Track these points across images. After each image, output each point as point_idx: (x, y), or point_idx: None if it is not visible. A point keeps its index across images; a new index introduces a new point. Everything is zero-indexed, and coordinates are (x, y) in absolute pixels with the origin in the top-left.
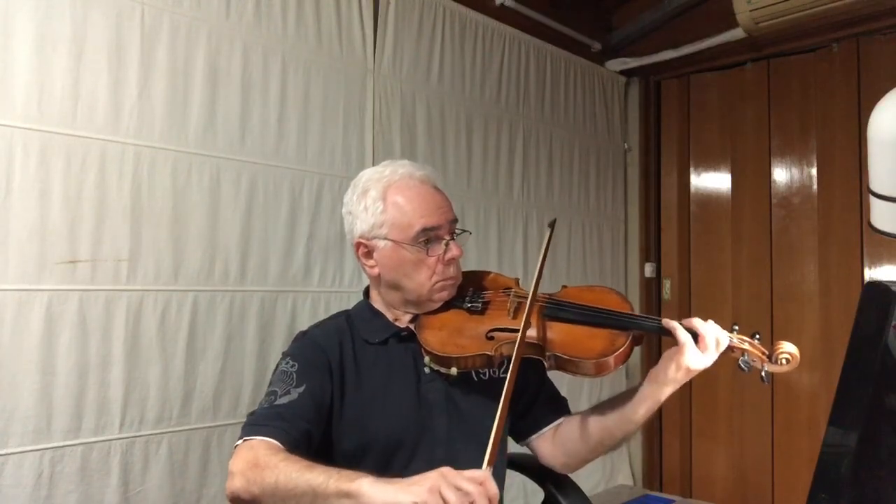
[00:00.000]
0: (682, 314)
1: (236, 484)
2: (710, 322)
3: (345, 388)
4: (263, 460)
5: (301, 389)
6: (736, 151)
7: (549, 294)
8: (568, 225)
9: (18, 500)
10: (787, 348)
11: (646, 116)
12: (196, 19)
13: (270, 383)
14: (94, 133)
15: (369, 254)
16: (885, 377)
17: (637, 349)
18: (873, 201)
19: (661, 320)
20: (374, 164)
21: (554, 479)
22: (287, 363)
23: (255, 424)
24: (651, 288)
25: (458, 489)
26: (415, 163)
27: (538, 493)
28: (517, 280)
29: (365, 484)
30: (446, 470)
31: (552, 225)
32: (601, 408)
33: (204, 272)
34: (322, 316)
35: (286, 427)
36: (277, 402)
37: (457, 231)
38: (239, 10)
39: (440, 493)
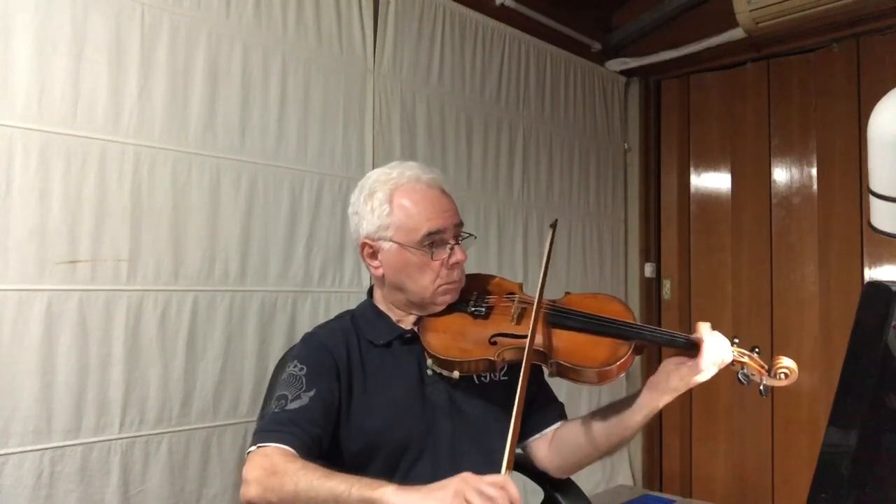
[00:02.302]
0: (683, 314)
1: (252, 492)
2: (718, 335)
3: (352, 390)
4: (281, 468)
5: (311, 394)
6: (736, 151)
7: (552, 300)
8: (568, 225)
9: (18, 500)
10: (786, 363)
11: (646, 116)
12: (196, 19)
13: (278, 387)
14: (94, 133)
15: (374, 255)
16: (885, 377)
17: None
18: (873, 201)
19: (676, 333)
20: (374, 164)
21: (553, 480)
22: (295, 366)
23: (268, 430)
24: (651, 288)
25: (482, 493)
26: (422, 165)
27: (538, 493)
28: (520, 285)
29: (389, 492)
30: (468, 475)
31: (554, 226)
32: (599, 414)
33: (204, 272)
34: (322, 316)
35: (299, 433)
36: (288, 406)
37: (462, 235)
38: (239, 10)
39: (465, 498)
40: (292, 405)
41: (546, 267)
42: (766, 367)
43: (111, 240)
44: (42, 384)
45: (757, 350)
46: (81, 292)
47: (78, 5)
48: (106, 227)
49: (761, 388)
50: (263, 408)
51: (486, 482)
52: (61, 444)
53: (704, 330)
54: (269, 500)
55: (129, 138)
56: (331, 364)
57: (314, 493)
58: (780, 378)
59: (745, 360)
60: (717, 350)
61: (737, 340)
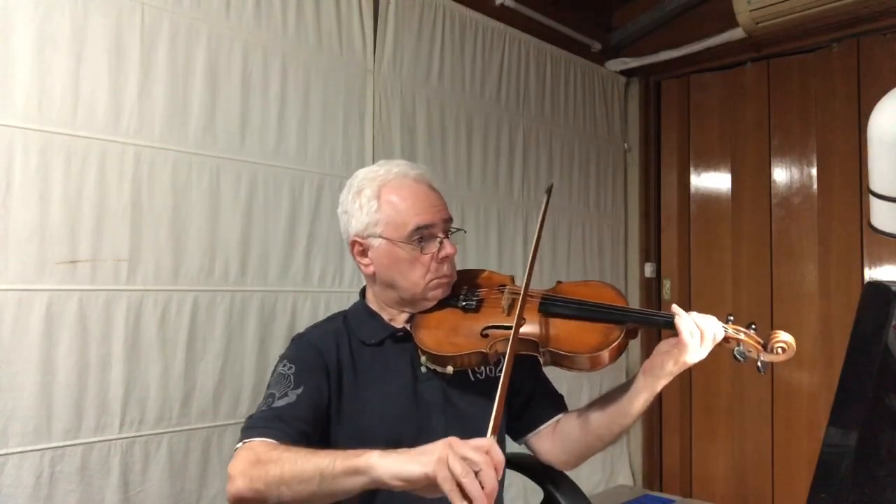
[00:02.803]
0: None
1: (238, 484)
2: (706, 316)
3: (342, 390)
4: (265, 457)
5: (299, 391)
6: (736, 151)
7: (544, 290)
8: (568, 225)
9: (18, 500)
10: (783, 337)
11: (646, 116)
12: (196, 19)
13: (268, 386)
14: (94, 133)
15: (364, 252)
16: (885, 377)
17: (635, 342)
18: (873, 201)
19: (656, 313)
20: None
21: (553, 479)
22: (284, 366)
23: (253, 427)
24: (651, 288)
25: (465, 459)
26: (410, 162)
27: (538, 493)
28: (512, 278)
29: (374, 457)
30: (453, 440)
31: (549, 191)
32: (598, 403)
33: (204, 272)
34: (322, 316)
35: (284, 428)
36: (275, 404)
37: (451, 229)
38: (239, 10)
39: (447, 465)
40: (279, 403)
41: (540, 231)
42: (763, 342)
43: (111, 240)
44: (42, 384)
45: (754, 326)
46: (81, 292)
47: (78, 5)
48: (106, 227)
49: (759, 364)
50: None
51: (471, 446)
52: (61, 444)
53: (675, 308)
54: (257, 489)
55: (129, 138)
56: (320, 363)
57: (299, 470)
58: (776, 353)
59: (741, 336)
60: (693, 324)
61: (731, 318)
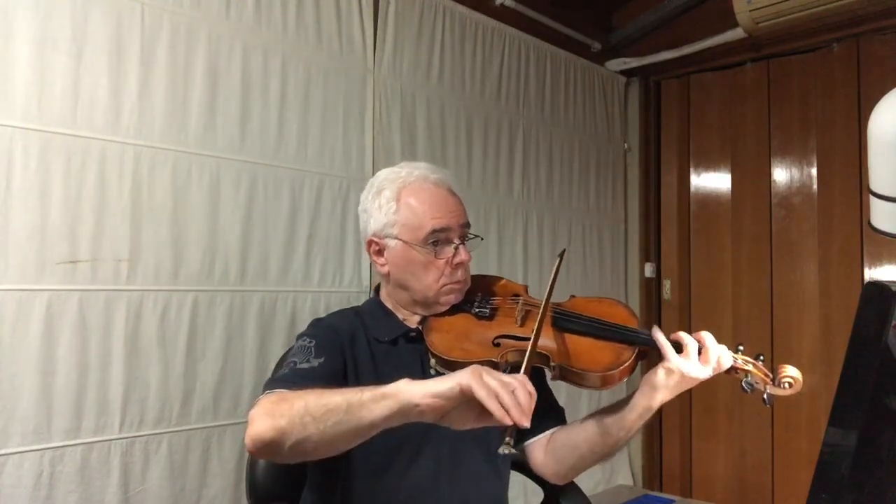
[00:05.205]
0: (683, 315)
1: (257, 427)
2: (712, 338)
3: (359, 377)
4: (289, 395)
5: (321, 360)
6: (736, 151)
7: (557, 304)
8: (568, 225)
9: (18, 500)
10: (791, 372)
11: (646, 116)
12: (196, 19)
13: (288, 355)
14: (94, 133)
15: (380, 252)
16: (885, 377)
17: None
18: (873, 201)
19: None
20: (374, 164)
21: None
22: (305, 340)
23: (276, 380)
24: (651, 288)
25: (500, 379)
26: (432, 165)
27: (538, 493)
28: (526, 287)
29: (402, 383)
30: (483, 367)
31: (561, 255)
32: (595, 415)
33: (204, 272)
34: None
35: (307, 386)
36: (298, 367)
37: (469, 236)
38: (239, 10)
39: (481, 376)
40: (301, 366)
41: (551, 289)
42: (771, 375)
43: (111, 240)
44: (42, 384)
45: (762, 357)
46: (81, 292)
47: (78, 5)
48: (106, 227)
49: (765, 396)
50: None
51: (502, 373)
52: (61, 444)
53: (682, 334)
54: (279, 426)
55: (129, 138)
56: (338, 343)
57: (324, 401)
58: (784, 387)
59: (749, 367)
60: (689, 336)
61: (741, 348)
